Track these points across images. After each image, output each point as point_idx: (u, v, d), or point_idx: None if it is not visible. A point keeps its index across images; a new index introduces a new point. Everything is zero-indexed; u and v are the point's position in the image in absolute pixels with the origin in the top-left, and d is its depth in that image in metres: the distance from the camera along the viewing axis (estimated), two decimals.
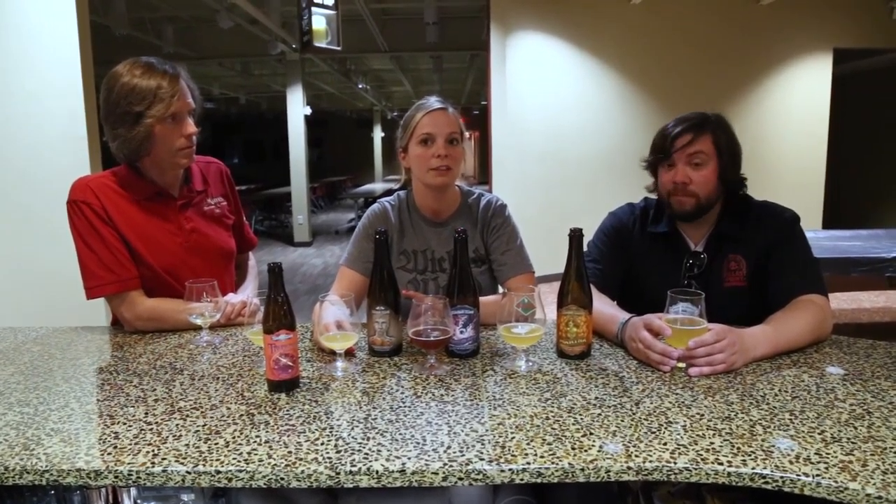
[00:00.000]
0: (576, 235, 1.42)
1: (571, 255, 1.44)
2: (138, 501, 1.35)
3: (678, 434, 1.08)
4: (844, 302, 4.43)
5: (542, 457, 1.00)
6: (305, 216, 10.52)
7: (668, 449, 1.02)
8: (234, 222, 1.98)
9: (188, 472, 0.99)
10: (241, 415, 1.19)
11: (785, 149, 6.85)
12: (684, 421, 1.13)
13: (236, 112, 17.19)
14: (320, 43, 5.73)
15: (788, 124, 6.84)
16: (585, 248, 1.67)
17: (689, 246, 1.74)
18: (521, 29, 6.43)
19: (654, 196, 1.82)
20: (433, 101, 1.75)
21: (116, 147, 1.68)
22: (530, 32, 6.46)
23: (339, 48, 5.83)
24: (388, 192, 1.91)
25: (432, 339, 1.39)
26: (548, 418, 1.14)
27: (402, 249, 1.83)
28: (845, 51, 6.81)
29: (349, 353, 1.46)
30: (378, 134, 21.80)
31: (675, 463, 0.98)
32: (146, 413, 1.21)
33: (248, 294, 1.93)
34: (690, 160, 1.64)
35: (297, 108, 10.22)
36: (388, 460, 1.00)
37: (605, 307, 1.59)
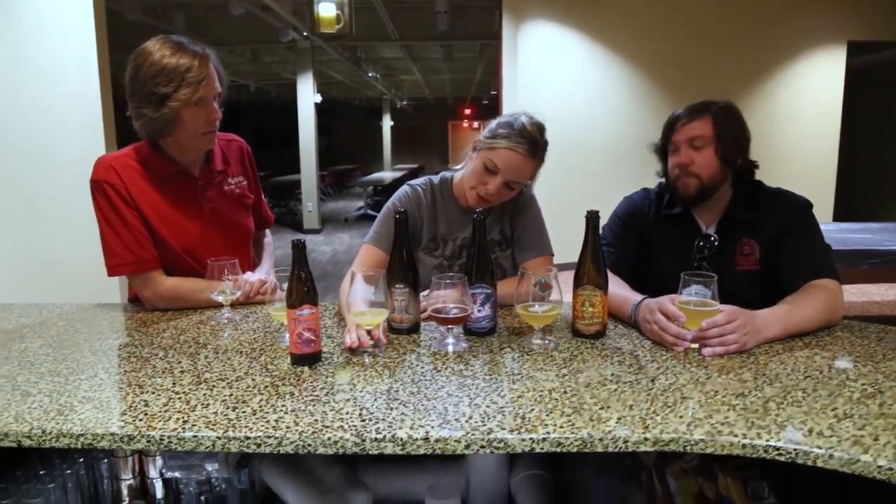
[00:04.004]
0: (592, 217, 1.45)
1: (588, 236, 1.46)
2: (164, 471, 1.40)
3: (693, 408, 1.10)
4: (854, 294, 4.43)
5: (561, 427, 1.03)
6: (315, 204, 10.56)
7: (683, 422, 1.05)
8: (252, 201, 1.99)
9: (218, 438, 1.02)
10: (266, 386, 1.22)
11: (796, 141, 6.83)
12: (699, 396, 1.15)
13: (246, 100, 17.21)
14: (329, 30, 5.73)
15: (800, 117, 6.82)
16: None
17: (700, 228, 1.76)
18: (533, 18, 6.43)
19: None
20: (526, 143, 1.65)
21: (140, 125, 1.69)
22: (542, 22, 6.45)
23: (350, 34, 5.84)
24: (399, 181, 1.91)
25: (451, 315, 1.41)
26: (565, 392, 1.17)
27: (432, 235, 1.84)
28: (859, 43, 6.77)
29: (373, 336, 1.44)
30: (387, 123, 21.75)
31: (690, 434, 1.01)
32: (173, 383, 1.24)
33: (265, 272, 1.95)
34: (691, 143, 1.68)
35: (308, 96, 10.24)
36: (411, 429, 1.02)
37: (618, 289, 1.61)
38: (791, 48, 6.69)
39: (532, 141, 1.66)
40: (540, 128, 1.69)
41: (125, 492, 1.37)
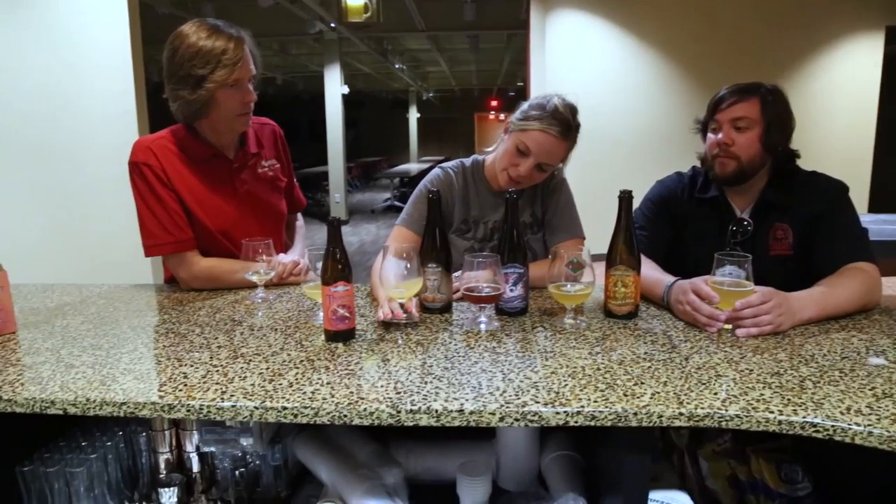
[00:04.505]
0: (625, 197, 1.44)
1: (621, 216, 1.45)
2: (200, 445, 1.42)
3: (728, 386, 1.09)
4: (890, 288, 4.33)
5: (595, 401, 1.03)
6: (342, 195, 10.64)
7: (718, 398, 1.04)
8: (285, 184, 2.01)
9: (256, 408, 1.04)
10: (302, 360, 1.24)
11: (831, 129, 6.69)
12: (733, 374, 1.14)
13: (272, 92, 17.34)
14: (357, 18, 5.75)
15: (835, 104, 6.68)
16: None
17: (734, 212, 1.73)
18: (561, 6, 6.38)
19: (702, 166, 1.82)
20: (558, 125, 1.65)
21: (176, 107, 1.72)
22: (570, 10, 6.40)
23: (378, 22, 5.85)
24: (425, 173, 1.92)
25: (484, 294, 1.42)
26: (598, 369, 1.17)
27: (464, 217, 1.84)
28: None
29: (406, 310, 1.43)
30: (413, 115, 21.77)
31: (725, 410, 1.00)
32: (211, 357, 1.27)
33: (297, 254, 1.97)
34: (734, 123, 1.65)
35: (335, 87, 10.30)
36: (446, 401, 1.03)
37: (651, 271, 1.60)
38: (827, 34, 6.55)
39: (564, 122, 1.66)
40: (572, 109, 1.69)
41: (162, 465, 1.40)
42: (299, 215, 2.23)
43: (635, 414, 1.00)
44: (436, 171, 1.86)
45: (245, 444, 1.41)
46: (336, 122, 10.33)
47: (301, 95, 18.26)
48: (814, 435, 0.97)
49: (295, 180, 2.10)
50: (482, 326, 1.42)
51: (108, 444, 1.38)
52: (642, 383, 1.10)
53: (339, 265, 1.32)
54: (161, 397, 1.08)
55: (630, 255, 1.45)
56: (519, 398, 1.04)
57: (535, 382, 1.11)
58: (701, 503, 1.41)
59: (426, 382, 1.11)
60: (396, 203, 12.50)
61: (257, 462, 1.44)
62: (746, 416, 1.00)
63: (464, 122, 22.38)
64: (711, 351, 1.26)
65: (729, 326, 1.38)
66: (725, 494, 1.40)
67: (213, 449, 1.41)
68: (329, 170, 10.60)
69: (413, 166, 16.63)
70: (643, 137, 6.52)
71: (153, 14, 7.39)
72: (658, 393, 1.06)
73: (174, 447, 1.41)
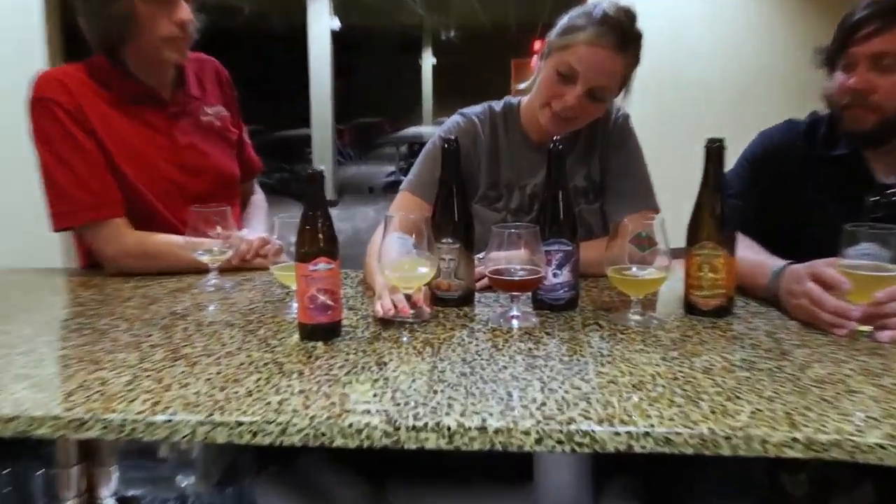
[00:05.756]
0: (714, 148, 1.42)
1: (709, 175, 1.44)
2: (120, 488, 1.40)
3: (865, 406, 1.06)
4: None
5: (670, 419, 1.00)
6: (330, 167, 10.67)
7: (851, 421, 1.01)
8: (236, 138, 2.05)
9: (201, 424, 1.02)
10: (267, 363, 1.24)
11: None
12: (873, 392, 1.11)
13: (238, 28, 17.38)
14: None
15: None
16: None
17: (873, 177, 1.70)
18: None
19: (824, 111, 1.79)
20: (610, 34, 1.63)
21: (90, 29, 1.75)
22: None
23: None
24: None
25: (518, 279, 1.39)
26: (675, 378, 1.16)
27: (493, 181, 1.84)
28: None
29: (414, 304, 1.44)
30: (428, 60, 21.71)
31: (862, 437, 0.96)
32: (141, 359, 1.26)
33: (262, 232, 1.98)
34: (877, 60, 1.59)
35: (322, 22, 10.30)
36: (462, 415, 1.02)
37: (750, 252, 1.59)
38: None
39: (618, 29, 1.64)
40: (629, 14, 1.66)
41: None
42: (258, 187, 2.25)
43: (728, 438, 0.97)
44: (455, 117, 1.86)
45: (185, 484, 1.39)
46: (322, 70, 10.33)
47: (275, 31, 18.30)
48: None
49: (246, 135, 2.16)
50: (514, 323, 1.41)
51: None
52: (738, 398, 1.08)
53: (319, 236, 1.31)
54: (67, 410, 1.05)
55: (720, 229, 1.43)
56: (563, 412, 1.03)
57: (587, 393, 1.10)
58: None
59: (436, 392, 1.11)
60: (403, 179, 12.52)
61: None
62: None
63: (497, 71, 22.33)
64: (840, 359, 1.23)
65: (865, 328, 1.34)
66: None
67: (138, 492, 1.38)
68: (312, 134, 10.61)
69: (426, 129, 16.57)
70: (739, 79, 6.41)
71: None
72: (760, 411, 1.03)
73: (83, 491, 1.36)
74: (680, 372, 1.18)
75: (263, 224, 2.12)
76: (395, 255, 1.40)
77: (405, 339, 1.35)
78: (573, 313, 1.49)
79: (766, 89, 6.25)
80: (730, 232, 1.44)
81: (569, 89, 1.66)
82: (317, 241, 1.31)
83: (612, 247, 1.43)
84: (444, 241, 1.50)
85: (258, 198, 2.24)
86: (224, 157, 1.99)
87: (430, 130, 16.00)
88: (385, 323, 1.42)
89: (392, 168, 13.83)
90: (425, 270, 1.40)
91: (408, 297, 1.41)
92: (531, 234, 1.42)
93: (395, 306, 1.38)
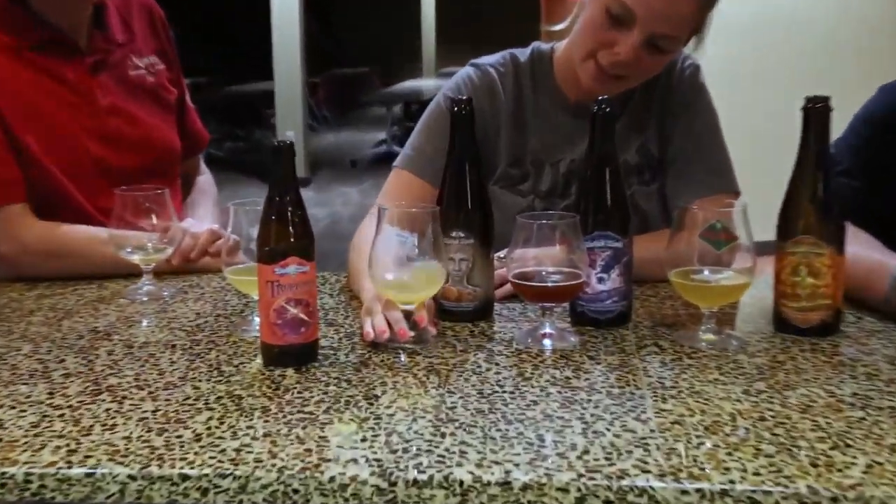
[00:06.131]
0: (817, 110, 1.31)
1: (808, 146, 1.33)
2: None
3: None
4: None
5: (756, 474, 0.92)
6: (300, 134, 10.33)
7: None
8: (175, 98, 1.98)
9: (132, 478, 0.94)
10: (220, 397, 1.15)
11: None
12: None
13: None
14: None
15: None
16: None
17: None
18: None
19: None
20: None
21: None
22: None
23: None
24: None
25: (551, 286, 1.29)
26: (763, 419, 1.06)
27: (516, 156, 1.72)
28: None
29: (416, 323, 1.33)
30: None
31: None
32: (50, 393, 1.17)
33: (210, 223, 1.86)
34: None
35: None
36: (479, 466, 0.94)
37: (865, 250, 1.50)
38: None
39: None
40: None
41: None
42: (205, 166, 2.14)
43: (835, 500, 0.87)
44: (465, 70, 1.75)
45: None
46: (289, 7, 9.99)
47: None
48: None
49: (188, 98, 2.07)
50: (547, 344, 1.32)
51: None
52: (847, 446, 0.98)
53: (289, 228, 1.22)
54: None
55: (824, 219, 1.33)
56: (613, 463, 0.94)
57: (643, 438, 1.00)
58: None
59: (444, 435, 1.02)
60: (396, 149, 12.23)
61: None
62: None
63: (521, 5, 22.01)
64: None
65: None
66: None
67: None
68: (276, 89, 10.03)
69: (427, 84, 15.98)
70: (852, 20, 6.24)
71: None
72: (879, 464, 0.94)
73: None
74: (769, 410, 1.10)
75: (212, 212, 2.01)
76: (392, 260, 1.30)
77: (402, 363, 1.27)
78: (625, 330, 1.40)
79: (887, 36, 5.98)
80: (837, 222, 1.35)
81: (622, 36, 1.51)
82: (286, 236, 1.21)
83: (677, 242, 1.33)
84: (453, 235, 1.40)
85: (205, 179, 2.12)
86: (159, 123, 1.91)
87: (434, 86, 15.51)
88: (376, 344, 1.33)
89: (382, 135, 13.34)
90: (432, 281, 1.31)
91: (407, 316, 1.31)
92: (569, 225, 1.31)
93: (391, 328, 1.29)
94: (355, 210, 8.06)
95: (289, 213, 1.22)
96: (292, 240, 1.22)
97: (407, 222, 1.31)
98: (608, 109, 1.37)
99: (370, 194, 8.21)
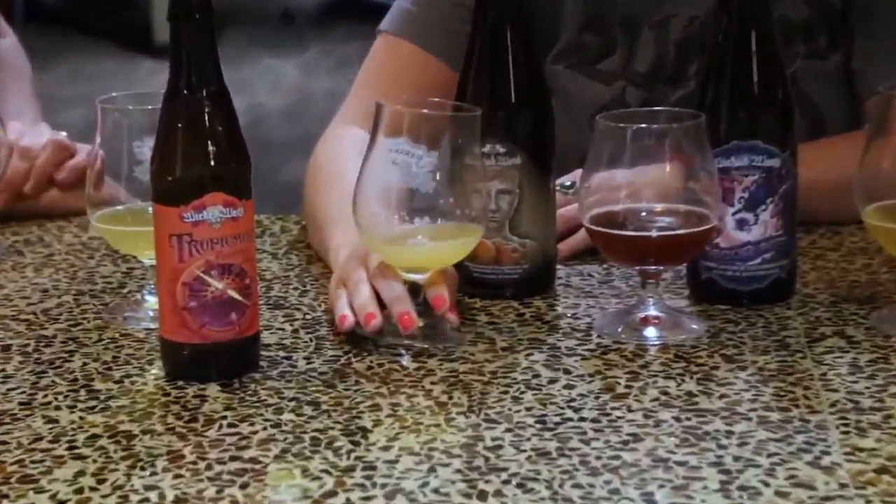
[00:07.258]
0: None
1: None
2: None
3: None
4: None
5: None
6: None
7: None
8: None
9: None
10: (95, 435, 0.87)
11: None
12: None
13: None
14: None
15: None
16: None
17: None
18: None
19: None
20: None
21: None
22: None
23: None
24: None
25: (655, 235, 1.01)
26: None
27: (590, 13, 1.36)
28: None
29: (437, 305, 0.99)
30: None
31: None
32: None
33: (46, 129, 1.50)
34: None
35: None
36: None
37: None
38: None
39: None
40: None
41: None
42: (5, 25, 1.75)
43: None
44: None
45: None
46: None
47: None
48: None
49: None
50: (651, 335, 1.01)
51: None
52: None
53: (208, 146, 0.93)
54: None
55: None
56: None
57: (827, 500, 0.74)
58: None
59: (483, 496, 0.76)
60: None
61: None
62: None
63: None
64: None
65: None
66: None
67: None
68: None
69: None
70: None
71: None
72: None
73: None
74: None
75: (35, 107, 1.62)
76: (395, 198, 0.99)
77: (400, 370, 0.98)
78: (786, 311, 1.07)
79: None
80: None
81: None
82: (202, 159, 0.92)
83: (877, 156, 1.02)
84: (486, 151, 1.04)
85: (8, 45, 1.70)
86: None
87: None
88: (359, 338, 1.00)
89: None
90: (463, 235, 0.99)
91: (415, 292, 0.97)
92: (686, 132, 0.98)
93: (384, 309, 0.97)
94: (295, 102, 5.44)
95: (206, 118, 0.91)
96: (213, 163, 0.91)
97: (421, 130, 0.97)
98: None
99: (315, 69, 5.87)
